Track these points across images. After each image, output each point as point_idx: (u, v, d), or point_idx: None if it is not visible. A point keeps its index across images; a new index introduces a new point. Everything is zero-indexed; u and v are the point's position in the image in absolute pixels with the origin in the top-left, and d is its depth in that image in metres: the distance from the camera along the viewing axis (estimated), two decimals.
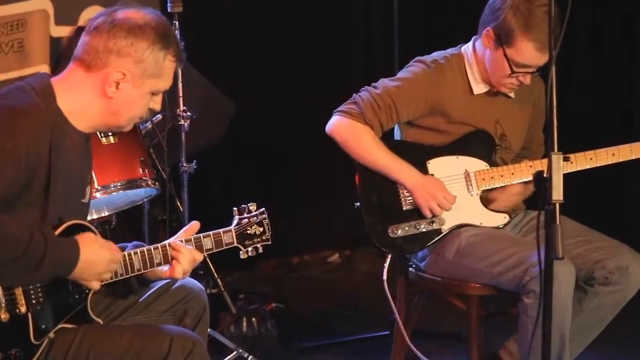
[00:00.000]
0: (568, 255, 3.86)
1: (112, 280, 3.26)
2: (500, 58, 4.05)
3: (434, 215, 4.10)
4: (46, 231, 3.09)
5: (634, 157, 4.17)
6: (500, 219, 4.18)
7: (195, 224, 3.41)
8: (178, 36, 4.11)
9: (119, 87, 3.20)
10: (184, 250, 3.33)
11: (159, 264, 3.32)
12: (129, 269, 3.28)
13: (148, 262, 3.30)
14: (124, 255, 3.27)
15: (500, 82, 4.12)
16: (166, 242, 3.35)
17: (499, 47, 4.04)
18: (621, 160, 4.16)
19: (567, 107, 4.45)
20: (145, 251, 3.30)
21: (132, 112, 3.28)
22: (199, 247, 3.38)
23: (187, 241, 3.37)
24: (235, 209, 3.50)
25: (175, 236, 3.39)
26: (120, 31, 3.18)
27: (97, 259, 3.17)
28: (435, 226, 4.12)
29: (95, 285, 3.19)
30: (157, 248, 3.32)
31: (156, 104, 3.31)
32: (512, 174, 4.15)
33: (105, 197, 4.31)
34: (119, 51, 3.18)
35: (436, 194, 4.08)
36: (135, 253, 3.29)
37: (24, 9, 5.13)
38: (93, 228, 3.25)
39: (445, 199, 4.08)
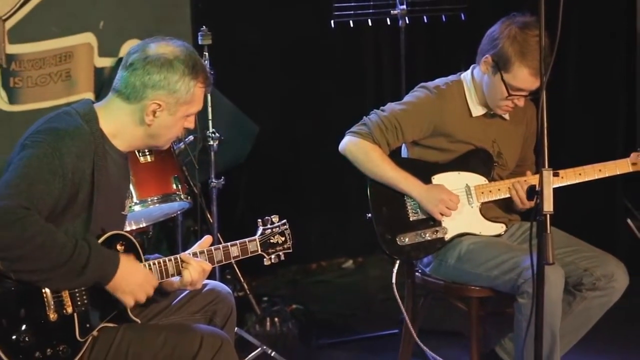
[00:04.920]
0: (559, 263, 3.87)
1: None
2: (497, 82, 4.04)
3: (439, 224, 4.10)
4: (90, 239, 3.12)
5: (618, 173, 4.15)
6: (498, 229, 4.17)
7: (207, 238, 3.40)
8: (207, 66, 4.14)
9: (156, 115, 3.23)
10: (193, 262, 3.31)
11: (173, 275, 3.31)
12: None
13: (164, 273, 3.28)
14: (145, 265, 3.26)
15: (497, 105, 4.12)
16: (178, 255, 3.33)
17: (497, 72, 4.03)
18: (607, 176, 4.16)
19: (557, 127, 4.44)
20: (161, 262, 3.28)
21: (170, 134, 3.31)
22: (211, 259, 3.36)
23: (201, 253, 3.35)
24: (259, 220, 3.50)
25: (190, 249, 3.38)
26: (154, 67, 3.20)
27: (135, 272, 3.18)
28: (439, 235, 4.11)
29: (130, 300, 3.18)
30: (171, 260, 3.30)
31: (190, 123, 3.33)
32: (509, 187, 4.14)
33: (143, 210, 4.33)
34: (154, 85, 3.20)
35: (442, 197, 4.07)
36: (154, 263, 3.28)
37: (71, 43, 5.16)
38: (132, 238, 3.27)
39: (451, 200, 4.08)
